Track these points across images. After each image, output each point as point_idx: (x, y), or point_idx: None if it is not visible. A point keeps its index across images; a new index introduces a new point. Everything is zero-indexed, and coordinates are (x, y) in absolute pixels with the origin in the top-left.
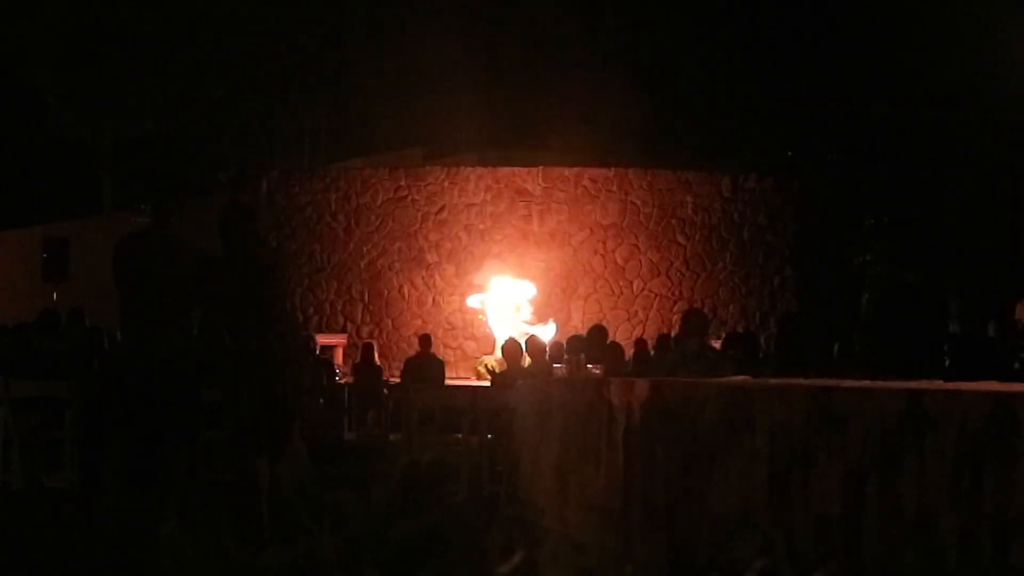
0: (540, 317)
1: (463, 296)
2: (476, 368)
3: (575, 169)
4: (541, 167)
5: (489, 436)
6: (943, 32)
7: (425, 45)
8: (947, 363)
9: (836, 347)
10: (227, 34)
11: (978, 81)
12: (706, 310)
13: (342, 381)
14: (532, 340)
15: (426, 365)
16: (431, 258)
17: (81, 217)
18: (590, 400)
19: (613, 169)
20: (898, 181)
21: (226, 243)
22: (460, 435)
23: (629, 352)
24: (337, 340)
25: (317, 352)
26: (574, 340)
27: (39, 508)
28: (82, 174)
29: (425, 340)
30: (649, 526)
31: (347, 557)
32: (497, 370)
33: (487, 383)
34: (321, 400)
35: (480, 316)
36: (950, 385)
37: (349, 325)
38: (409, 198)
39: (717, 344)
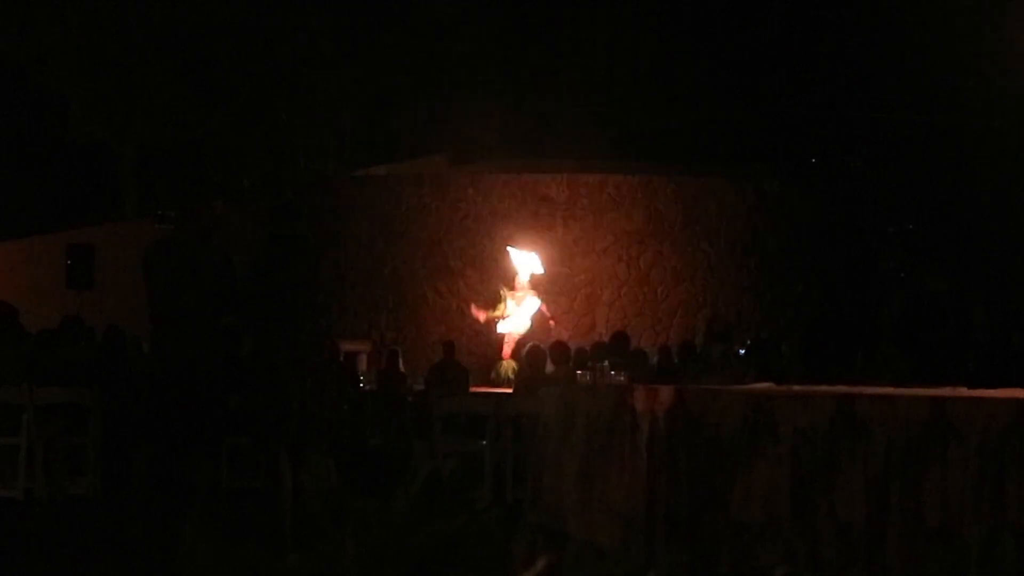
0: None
1: (489, 303)
2: (496, 375)
3: (599, 176)
4: (565, 174)
5: (513, 442)
6: (969, 37)
7: (449, 52)
8: (971, 370)
9: (860, 354)
10: (251, 40)
11: (1006, 85)
12: (730, 317)
13: (366, 388)
14: (556, 346)
15: (450, 372)
16: (455, 265)
17: (105, 223)
18: (614, 407)
19: (637, 176)
20: (923, 188)
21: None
22: (484, 441)
23: (653, 359)
24: (361, 347)
25: (340, 358)
26: (598, 347)
27: (62, 515)
28: (106, 180)
29: (449, 347)
30: (672, 533)
31: (369, 564)
32: (511, 376)
33: (508, 390)
34: (345, 407)
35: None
36: (973, 393)
37: (373, 332)
38: (433, 205)
39: (741, 351)
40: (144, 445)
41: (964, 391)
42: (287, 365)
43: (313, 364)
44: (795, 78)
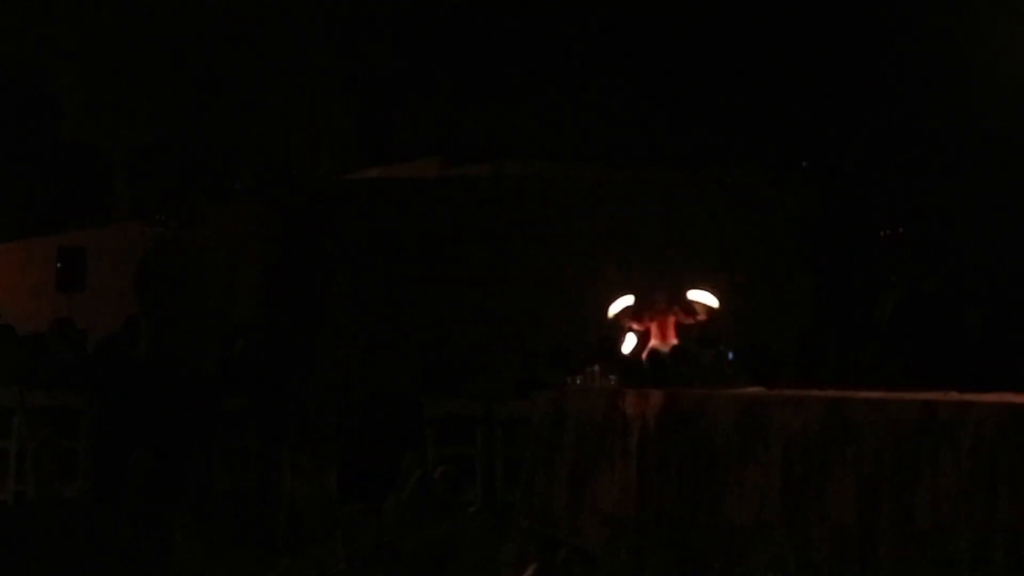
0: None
1: (480, 307)
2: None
3: (591, 176)
4: (556, 175)
5: (504, 446)
6: (962, 39)
7: (439, 53)
8: (964, 373)
9: (853, 358)
10: (242, 42)
11: (999, 88)
12: (721, 320)
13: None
14: (551, 349)
15: (442, 375)
16: (446, 269)
17: (96, 226)
18: (605, 410)
19: (629, 177)
20: (914, 191)
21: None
22: (475, 445)
23: (644, 362)
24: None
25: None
26: (588, 350)
27: (53, 518)
28: (97, 183)
29: (440, 350)
30: (663, 536)
31: (360, 569)
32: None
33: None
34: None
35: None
36: (964, 396)
37: (363, 335)
38: (425, 208)
39: (731, 355)
40: (136, 448)
41: (955, 395)
42: (291, 370)
43: (317, 369)
44: (788, 80)
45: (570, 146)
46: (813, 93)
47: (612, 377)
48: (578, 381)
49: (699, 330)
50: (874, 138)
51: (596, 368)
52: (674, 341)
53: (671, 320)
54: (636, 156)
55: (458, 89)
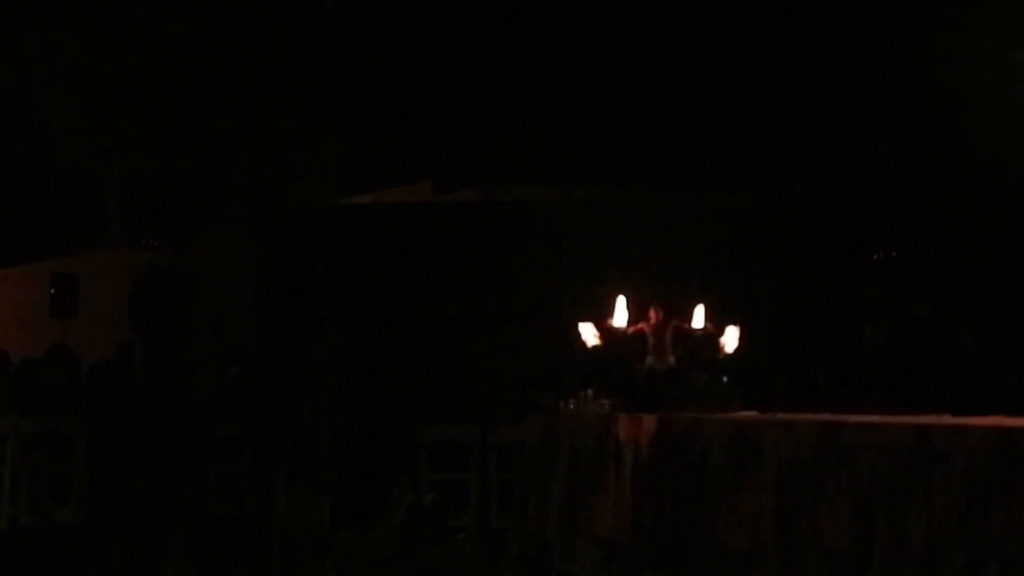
0: None
1: (473, 332)
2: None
3: (583, 200)
4: (551, 201)
5: (498, 471)
6: (956, 64)
7: (431, 79)
8: (957, 397)
9: (846, 381)
10: (235, 67)
11: (992, 110)
12: (715, 344)
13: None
14: (545, 373)
15: (435, 400)
16: (441, 295)
17: (89, 252)
18: (598, 435)
19: (621, 202)
20: (908, 214)
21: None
22: (469, 470)
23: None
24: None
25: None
26: (581, 374)
27: (47, 543)
28: (90, 209)
29: (432, 375)
30: (657, 561)
31: None
32: None
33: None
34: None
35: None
36: (958, 420)
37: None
38: (417, 233)
39: (725, 378)
40: (130, 473)
41: (948, 418)
42: (284, 395)
43: (311, 395)
44: (778, 105)
45: (562, 170)
46: (805, 117)
47: (605, 402)
48: (571, 406)
49: (696, 342)
50: (867, 161)
51: (589, 392)
52: (671, 358)
53: (667, 333)
54: (628, 180)
55: (450, 114)
